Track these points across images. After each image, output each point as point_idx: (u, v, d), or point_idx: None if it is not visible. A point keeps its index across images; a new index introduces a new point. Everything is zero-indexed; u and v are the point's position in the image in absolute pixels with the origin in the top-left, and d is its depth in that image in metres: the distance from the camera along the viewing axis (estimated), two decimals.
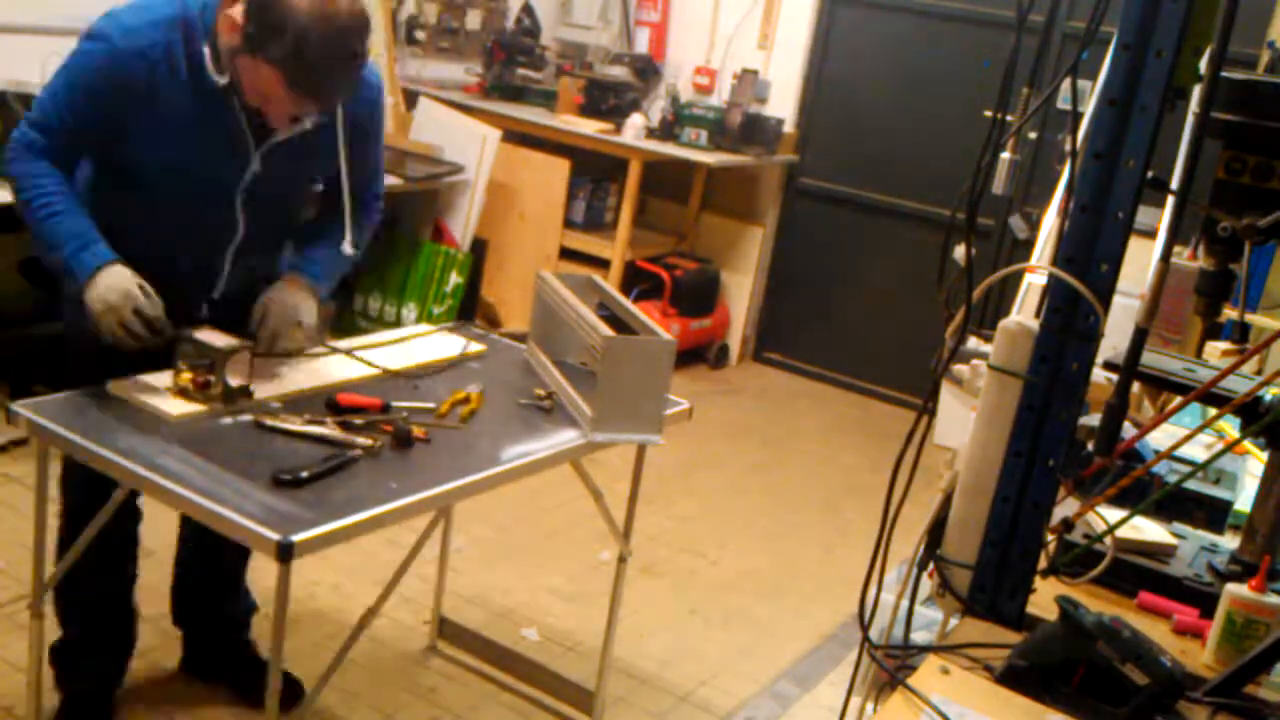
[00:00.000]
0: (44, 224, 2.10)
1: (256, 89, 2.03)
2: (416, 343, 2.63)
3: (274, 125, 2.11)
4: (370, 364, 2.41)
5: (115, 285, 2.08)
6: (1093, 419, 1.69)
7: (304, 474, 1.85)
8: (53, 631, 2.41)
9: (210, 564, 2.66)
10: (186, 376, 2.08)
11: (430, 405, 2.25)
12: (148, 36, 2.05)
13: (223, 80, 2.07)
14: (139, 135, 2.11)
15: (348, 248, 2.36)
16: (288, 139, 2.16)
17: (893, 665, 1.56)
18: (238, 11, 1.99)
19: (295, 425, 2.04)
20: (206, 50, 2.06)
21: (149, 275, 2.13)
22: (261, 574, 3.12)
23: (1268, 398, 1.67)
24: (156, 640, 2.80)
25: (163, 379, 2.11)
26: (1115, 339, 1.64)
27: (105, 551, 2.26)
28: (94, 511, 2.05)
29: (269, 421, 2.04)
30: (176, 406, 2.04)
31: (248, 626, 2.79)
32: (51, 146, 2.12)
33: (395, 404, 2.20)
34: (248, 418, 2.07)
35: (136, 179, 2.18)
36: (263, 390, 2.17)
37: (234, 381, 2.09)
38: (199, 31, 2.07)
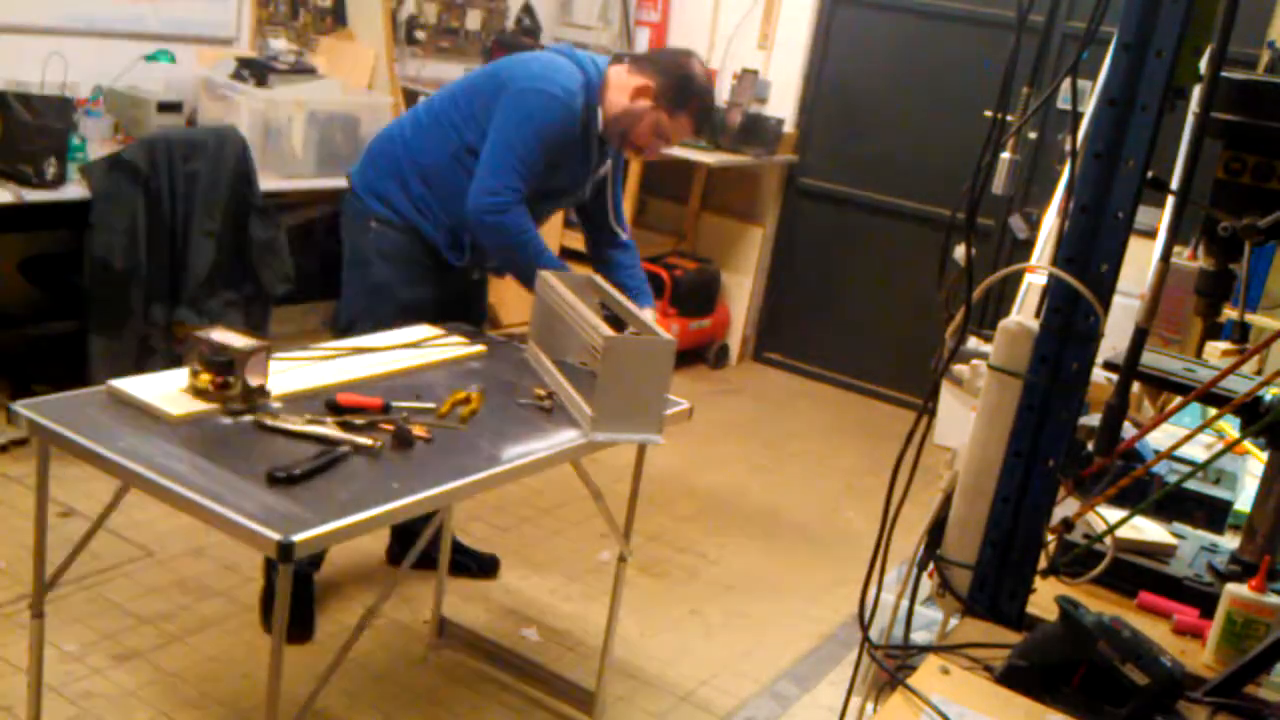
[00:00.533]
0: (538, 256, 2.88)
1: (657, 134, 2.92)
2: (417, 342, 2.63)
3: (649, 156, 3.42)
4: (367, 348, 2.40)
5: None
6: (1093, 419, 1.69)
7: (296, 471, 1.85)
8: (65, 624, 2.41)
9: None
10: (205, 378, 2.07)
11: (430, 405, 2.25)
12: (580, 98, 2.85)
13: (603, 128, 2.91)
14: (558, 169, 2.90)
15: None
16: (597, 172, 3.04)
17: (893, 665, 1.56)
18: (642, 81, 2.87)
19: (296, 425, 2.04)
20: (599, 109, 2.89)
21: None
22: (259, 574, 3.12)
23: (1268, 398, 1.67)
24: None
25: (176, 379, 2.11)
26: (1115, 339, 1.64)
27: None
28: None
29: (269, 422, 2.04)
30: (177, 406, 2.04)
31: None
32: (525, 193, 2.84)
33: (395, 404, 2.21)
34: (248, 418, 2.07)
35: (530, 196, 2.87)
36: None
37: (252, 381, 2.09)
38: (594, 89, 2.88)
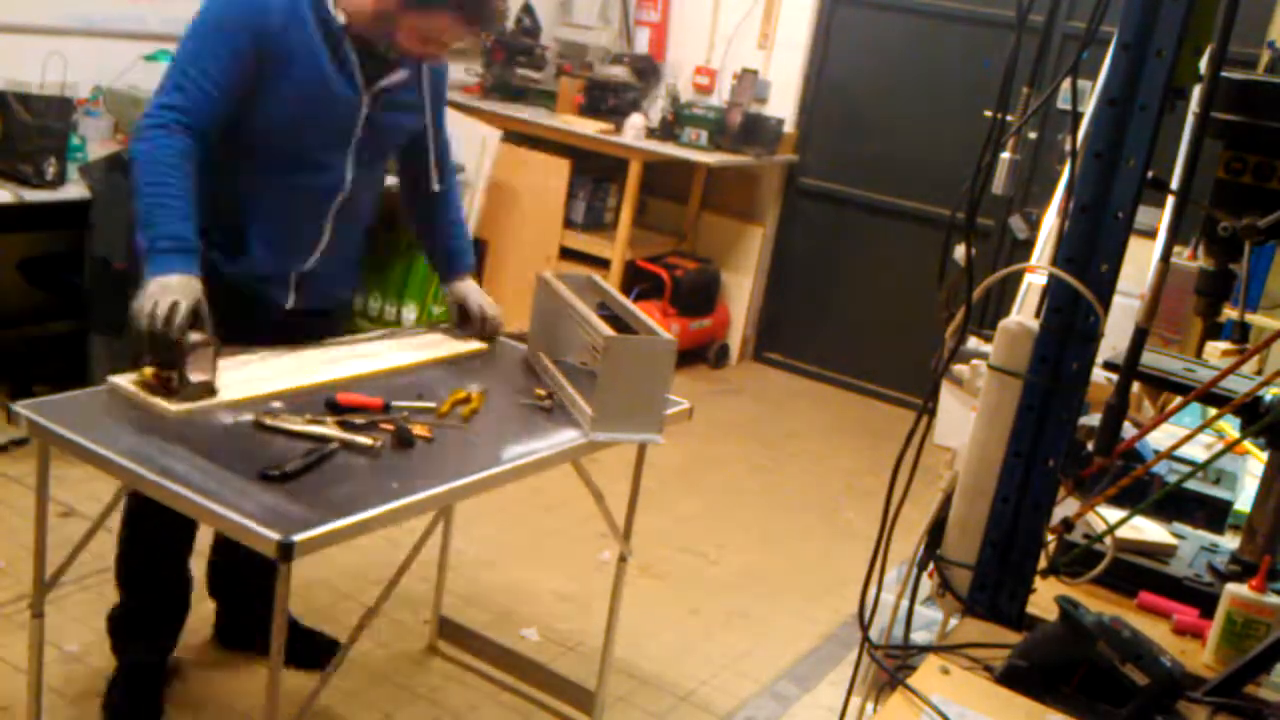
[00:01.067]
0: (149, 210, 2.13)
1: (422, 38, 2.25)
2: (417, 342, 2.63)
3: (432, 63, 2.42)
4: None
5: (158, 289, 2.07)
6: (1093, 419, 1.69)
7: (288, 468, 1.85)
8: (65, 624, 2.41)
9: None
10: (149, 371, 2.06)
11: (431, 405, 2.25)
12: None
13: (341, 20, 2.24)
14: (273, 87, 2.22)
15: (463, 217, 2.78)
16: (386, 88, 2.35)
17: (893, 665, 1.56)
18: None
19: (296, 425, 2.04)
20: (338, 9, 2.24)
21: (251, 242, 2.33)
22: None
23: (1268, 398, 1.67)
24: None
25: (130, 376, 2.10)
26: (1115, 339, 1.64)
27: (166, 523, 2.24)
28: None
29: (269, 421, 2.04)
30: (175, 403, 2.03)
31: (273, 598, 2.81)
32: (193, 122, 2.19)
33: (396, 404, 2.21)
34: (248, 417, 2.07)
35: (256, 143, 2.28)
36: (262, 388, 2.17)
37: (196, 377, 2.06)
38: None
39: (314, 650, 2.80)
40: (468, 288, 2.70)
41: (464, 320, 2.69)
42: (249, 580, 2.74)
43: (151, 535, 2.38)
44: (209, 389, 2.08)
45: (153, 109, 2.22)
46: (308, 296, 2.47)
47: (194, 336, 2.05)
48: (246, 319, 2.32)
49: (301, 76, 2.23)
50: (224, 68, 2.19)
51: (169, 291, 2.06)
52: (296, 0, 2.21)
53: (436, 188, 2.65)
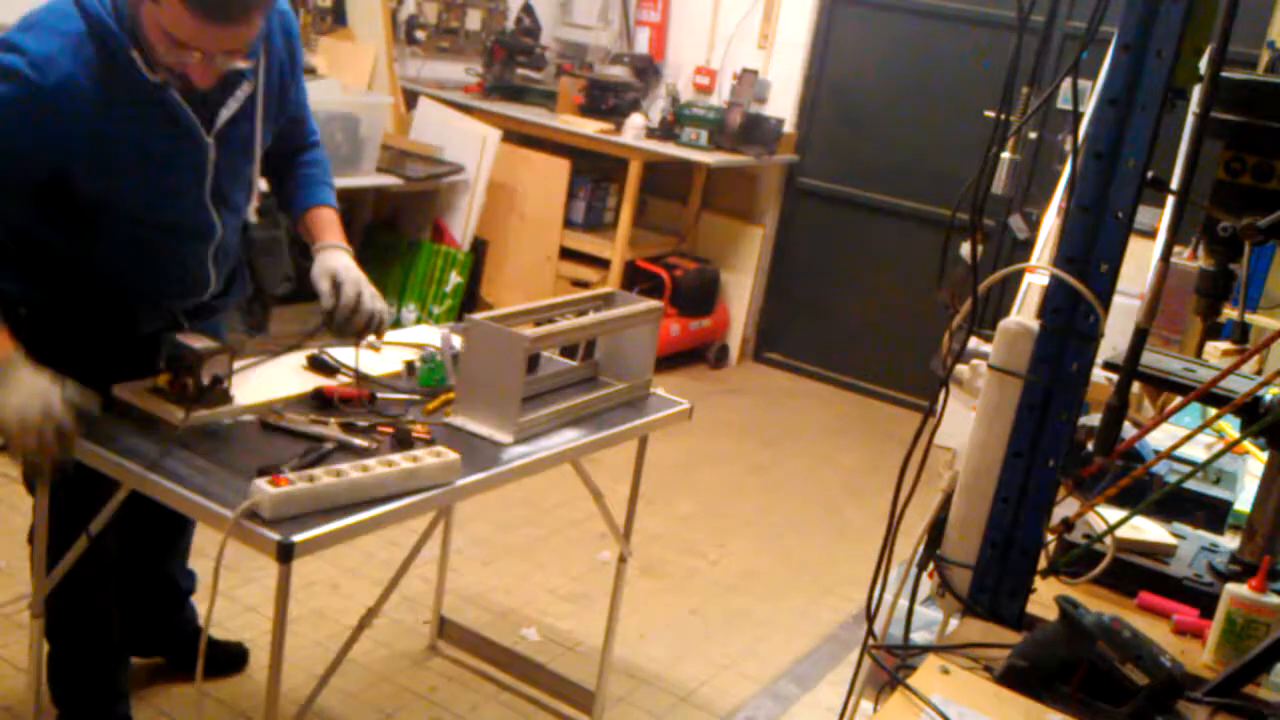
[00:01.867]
0: None
1: (166, 39, 1.84)
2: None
3: (200, 84, 1.91)
4: (346, 368, 2.40)
5: (36, 392, 1.82)
6: (1093, 419, 1.69)
7: (284, 468, 1.85)
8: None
9: (136, 545, 2.49)
10: (164, 379, 2.05)
11: (417, 396, 2.27)
12: (68, 62, 1.83)
13: (156, 78, 1.90)
14: (88, 169, 1.92)
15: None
16: (230, 121, 2.04)
17: (893, 665, 1.56)
18: None
19: (299, 424, 2.04)
20: (135, 52, 1.88)
21: (133, 309, 2.10)
22: (262, 573, 3.12)
23: (1268, 398, 1.67)
24: None
25: (143, 383, 2.09)
26: (1115, 339, 1.64)
27: (99, 558, 2.17)
28: (86, 519, 2.01)
29: (274, 420, 2.04)
30: (180, 411, 2.03)
31: (183, 605, 2.71)
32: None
33: (381, 395, 2.22)
34: (249, 418, 2.07)
35: (95, 216, 2.00)
36: (259, 394, 2.17)
37: (209, 383, 2.05)
38: (115, 31, 1.87)
39: (228, 660, 2.78)
40: (335, 254, 2.23)
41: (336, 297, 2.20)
42: (148, 586, 2.63)
43: (81, 576, 2.11)
44: (225, 396, 2.08)
45: None
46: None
47: (208, 344, 2.05)
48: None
49: (131, 155, 1.95)
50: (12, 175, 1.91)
51: (31, 408, 1.81)
52: (89, 78, 1.85)
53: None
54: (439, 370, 2.35)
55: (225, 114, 2.03)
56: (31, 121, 1.83)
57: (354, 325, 2.21)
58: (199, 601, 2.75)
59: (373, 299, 2.23)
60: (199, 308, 2.24)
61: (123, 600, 2.48)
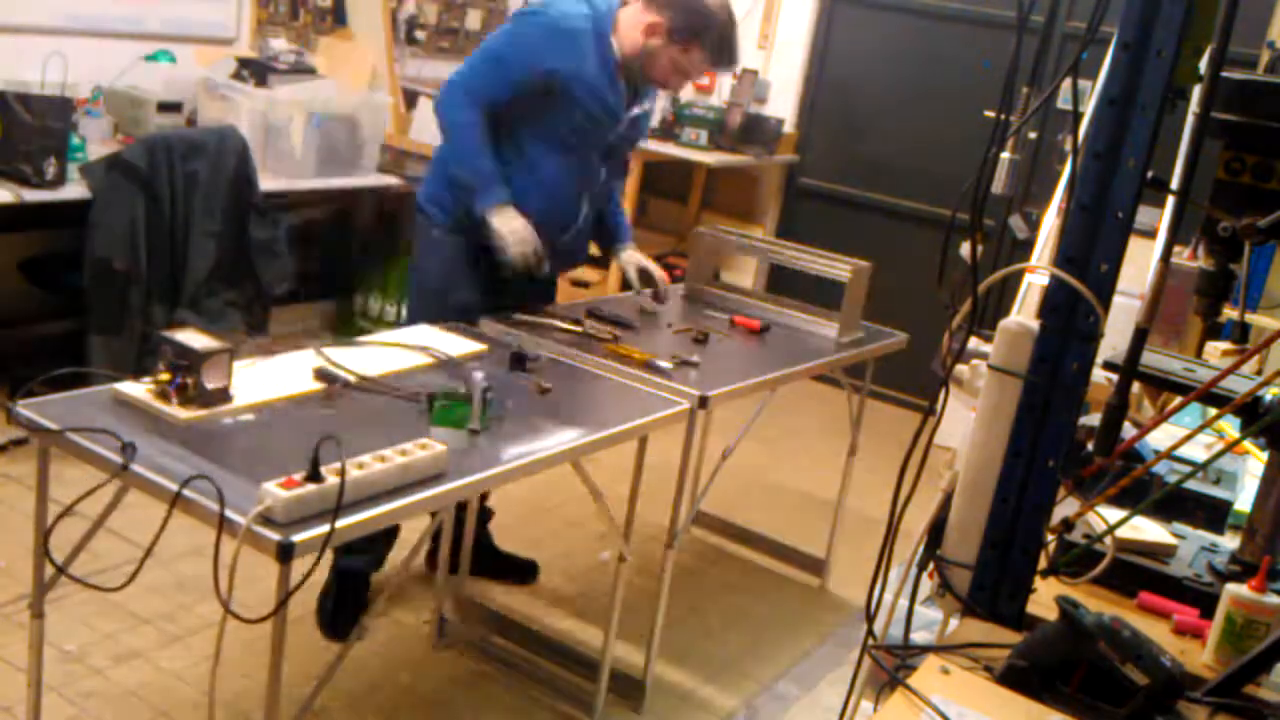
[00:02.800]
0: (468, 156, 2.86)
1: (674, 68, 2.90)
2: (416, 343, 2.63)
3: (673, 90, 3.55)
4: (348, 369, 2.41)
5: (522, 222, 2.85)
6: (1093, 419, 1.69)
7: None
8: (65, 624, 2.39)
9: None
10: (165, 378, 2.05)
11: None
12: (578, 21, 2.85)
13: (618, 55, 2.88)
14: (564, 96, 2.84)
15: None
16: (633, 113, 2.99)
17: (892, 665, 1.56)
18: (653, 17, 2.85)
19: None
20: (614, 39, 2.88)
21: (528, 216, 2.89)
22: (262, 573, 3.12)
23: (1268, 398, 1.67)
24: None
25: (143, 382, 2.09)
26: (1115, 339, 1.64)
27: None
28: None
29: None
30: (183, 410, 2.03)
31: (485, 525, 3.37)
32: (484, 101, 2.83)
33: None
34: (249, 417, 2.07)
35: (548, 138, 2.90)
36: (267, 392, 2.17)
37: (212, 384, 2.06)
38: (606, 26, 2.88)
39: (514, 570, 3.47)
40: (633, 254, 3.24)
41: (644, 280, 3.22)
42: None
43: None
44: (225, 395, 2.08)
45: (452, 78, 2.89)
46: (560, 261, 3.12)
47: (209, 344, 2.05)
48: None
49: (584, 104, 2.88)
50: (505, 66, 2.87)
51: (524, 229, 2.85)
52: (599, 39, 2.86)
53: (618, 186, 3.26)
54: (461, 410, 2.18)
55: (634, 110, 3.01)
56: (548, 44, 2.86)
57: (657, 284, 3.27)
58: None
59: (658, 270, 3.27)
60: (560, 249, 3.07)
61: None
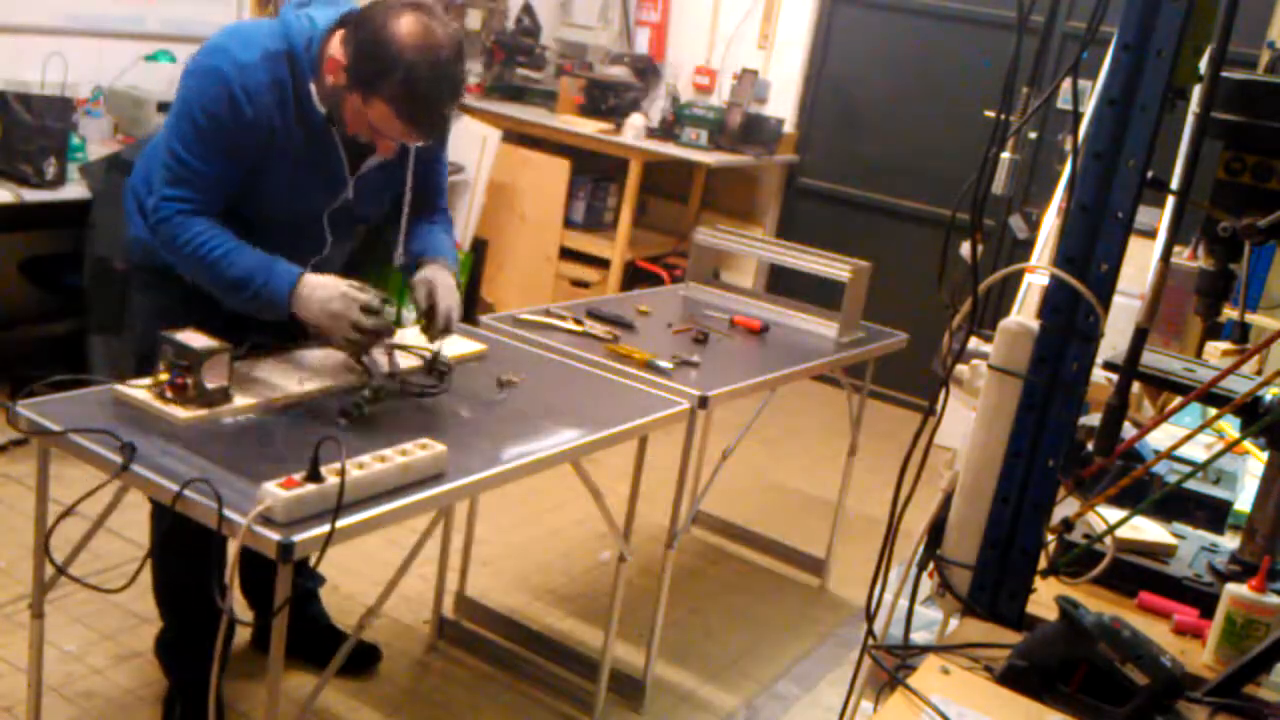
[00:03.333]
0: (221, 269, 2.16)
1: (364, 123, 2.13)
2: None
3: (382, 153, 2.22)
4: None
5: (330, 293, 2.18)
6: (1093, 419, 1.69)
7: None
8: (65, 624, 2.39)
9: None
10: (164, 378, 2.05)
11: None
12: (267, 71, 2.12)
13: (323, 112, 2.17)
14: (263, 172, 2.19)
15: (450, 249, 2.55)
16: (371, 168, 2.29)
17: (893, 665, 1.56)
18: (339, 52, 2.10)
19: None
20: (313, 86, 2.15)
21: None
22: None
23: (1268, 398, 1.67)
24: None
25: (143, 382, 2.09)
26: (1115, 339, 1.64)
27: (200, 539, 2.14)
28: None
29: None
30: (182, 410, 2.03)
31: (314, 599, 2.90)
32: (202, 202, 2.17)
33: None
34: (249, 417, 2.07)
35: (242, 211, 2.23)
36: (267, 393, 2.17)
37: (212, 384, 2.06)
38: (305, 66, 2.14)
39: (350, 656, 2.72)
40: (434, 269, 2.42)
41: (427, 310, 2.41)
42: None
43: (185, 554, 2.19)
44: (225, 395, 2.08)
45: (159, 203, 2.18)
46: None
47: (209, 343, 2.05)
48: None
49: (284, 170, 2.22)
50: (218, 163, 2.17)
51: (333, 302, 2.17)
52: (297, 89, 2.16)
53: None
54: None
55: (369, 164, 2.29)
56: (232, 119, 2.11)
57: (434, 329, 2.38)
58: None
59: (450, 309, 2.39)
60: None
61: (260, 597, 2.76)
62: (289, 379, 2.25)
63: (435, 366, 2.35)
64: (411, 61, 2.03)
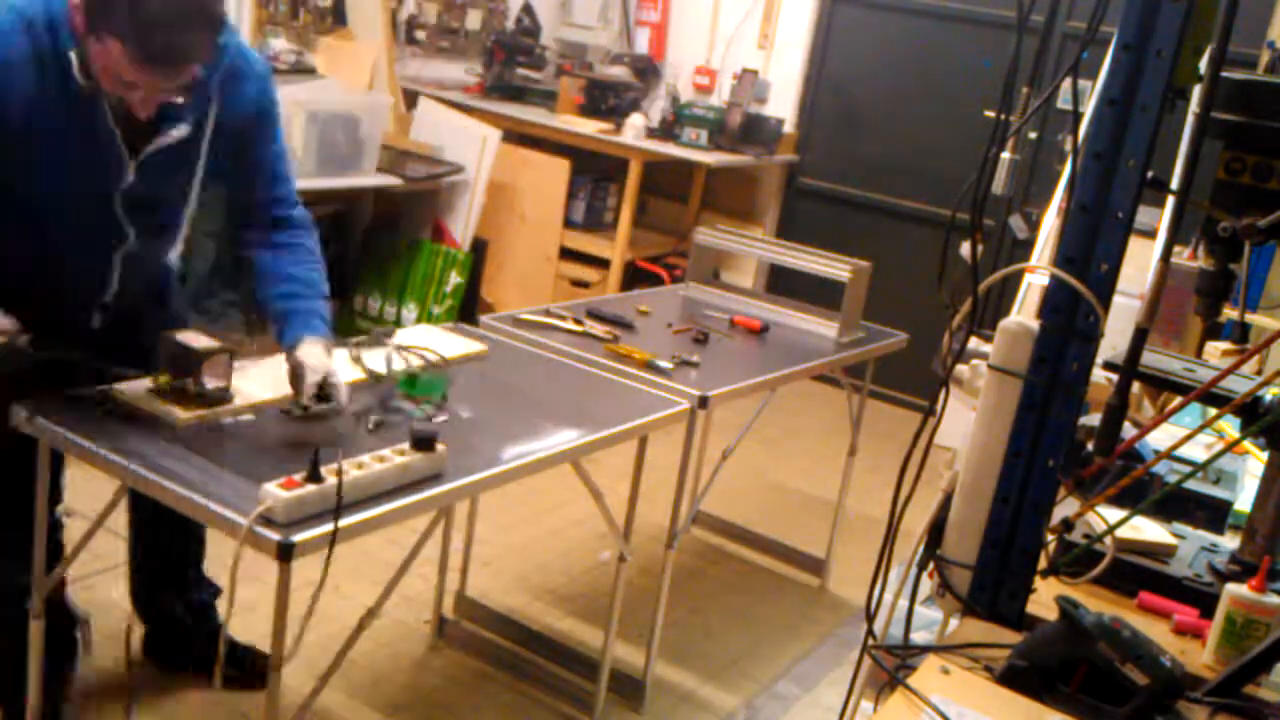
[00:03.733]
0: None
1: (109, 74, 1.86)
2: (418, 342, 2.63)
3: (140, 114, 1.93)
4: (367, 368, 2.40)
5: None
6: (1093, 419, 1.69)
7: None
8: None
9: (160, 556, 2.67)
10: (165, 379, 2.05)
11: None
12: (14, 40, 1.86)
13: (87, 83, 1.89)
14: (33, 153, 1.94)
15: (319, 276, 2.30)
16: (160, 149, 2.04)
17: (893, 665, 1.56)
18: None
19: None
20: (73, 54, 1.88)
21: (30, 284, 2.04)
22: (262, 572, 3.12)
23: (1268, 398, 1.67)
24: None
25: (143, 382, 2.09)
26: (1115, 339, 1.64)
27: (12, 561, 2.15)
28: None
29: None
30: (182, 410, 2.03)
31: (205, 614, 2.73)
32: None
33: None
34: (249, 417, 2.07)
35: (23, 197, 2.00)
36: (265, 393, 2.17)
37: (211, 384, 2.06)
38: (65, 31, 1.88)
39: (251, 668, 2.64)
40: (306, 347, 2.13)
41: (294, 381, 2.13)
42: (174, 596, 2.71)
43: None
44: (224, 395, 2.08)
45: None
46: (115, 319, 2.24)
47: (209, 344, 2.05)
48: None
49: (54, 150, 1.97)
50: None
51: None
52: (37, 65, 1.88)
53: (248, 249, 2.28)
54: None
55: (156, 144, 2.03)
56: None
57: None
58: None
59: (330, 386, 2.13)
60: (114, 317, 2.22)
61: (149, 610, 2.71)
62: (257, 385, 2.24)
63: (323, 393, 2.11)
64: None
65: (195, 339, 2.07)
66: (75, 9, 1.85)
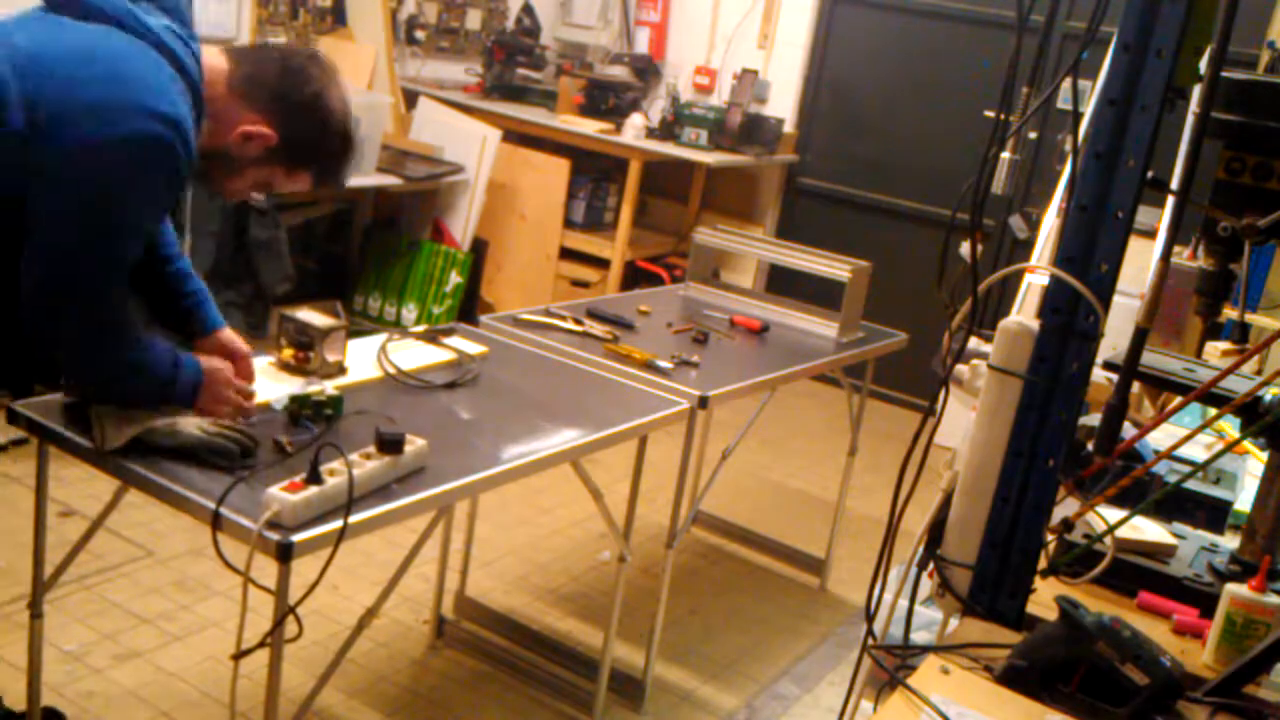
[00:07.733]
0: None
1: (260, 184, 2.00)
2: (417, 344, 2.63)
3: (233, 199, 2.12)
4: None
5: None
6: (1093, 419, 1.69)
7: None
8: (65, 624, 2.38)
9: None
10: (289, 353, 2.26)
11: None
12: (190, 123, 1.82)
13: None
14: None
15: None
16: None
17: (893, 665, 1.56)
18: (263, 129, 1.90)
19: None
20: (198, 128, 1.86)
21: None
22: (262, 573, 3.12)
23: (1268, 398, 1.67)
24: None
25: (263, 359, 2.23)
26: (1115, 339, 1.64)
27: None
28: None
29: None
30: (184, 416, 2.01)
31: None
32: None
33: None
34: (330, 390, 2.15)
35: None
36: (265, 394, 2.17)
37: (330, 357, 2.26)
38: (201, 100, 1.88)
39: None
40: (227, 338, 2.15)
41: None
42: None
43: None
44: (341, 368, 2.27)
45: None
46: None
47: (329, 322, 2.25)
48: None
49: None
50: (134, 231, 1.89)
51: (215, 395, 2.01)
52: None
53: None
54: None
55: None
56: (178, 168, 1.81)
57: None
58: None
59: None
60: None
61: None
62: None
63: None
64: (344, 136, 1.99)
65: (315, 317, 2.25)
66: (258, 139, 1.91)
